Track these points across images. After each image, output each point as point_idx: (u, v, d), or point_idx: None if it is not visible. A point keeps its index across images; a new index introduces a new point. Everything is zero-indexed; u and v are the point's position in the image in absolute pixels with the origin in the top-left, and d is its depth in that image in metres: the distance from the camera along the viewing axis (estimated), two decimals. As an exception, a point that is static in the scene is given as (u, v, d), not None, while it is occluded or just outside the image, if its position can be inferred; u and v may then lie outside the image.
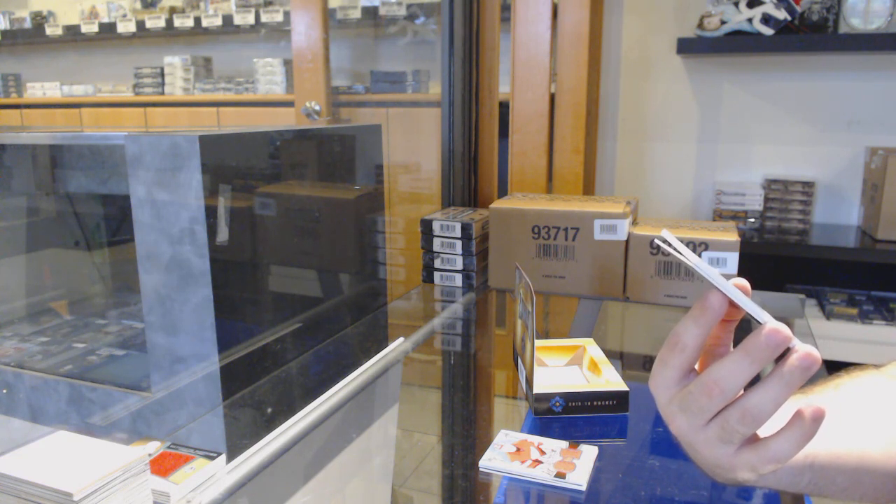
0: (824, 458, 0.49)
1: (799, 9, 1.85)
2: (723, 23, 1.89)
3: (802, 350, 0.40)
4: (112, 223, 1.60)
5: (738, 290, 0.42)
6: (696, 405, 0.44)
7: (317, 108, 2.39)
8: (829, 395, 0.54)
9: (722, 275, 0.42)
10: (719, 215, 2.06)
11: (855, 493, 0.51)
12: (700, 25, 1.93)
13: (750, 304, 0.41)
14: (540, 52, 1.70)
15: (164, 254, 0.99)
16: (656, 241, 0.45)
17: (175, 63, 3.12)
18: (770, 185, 2.02)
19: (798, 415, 0.42)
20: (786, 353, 0.41)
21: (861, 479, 0.50)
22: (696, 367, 0.47)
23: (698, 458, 0.48)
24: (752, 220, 2.03)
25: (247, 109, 2.95)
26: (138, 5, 3.26)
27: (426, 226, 1.39)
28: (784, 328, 0.40)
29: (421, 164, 2.45)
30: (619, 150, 2.23)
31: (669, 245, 0.44)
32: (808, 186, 1.99)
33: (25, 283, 1.54)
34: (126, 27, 3.16)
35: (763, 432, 0.45)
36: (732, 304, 0.43)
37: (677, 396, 0.45)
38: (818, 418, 0.41)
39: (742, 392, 0.43)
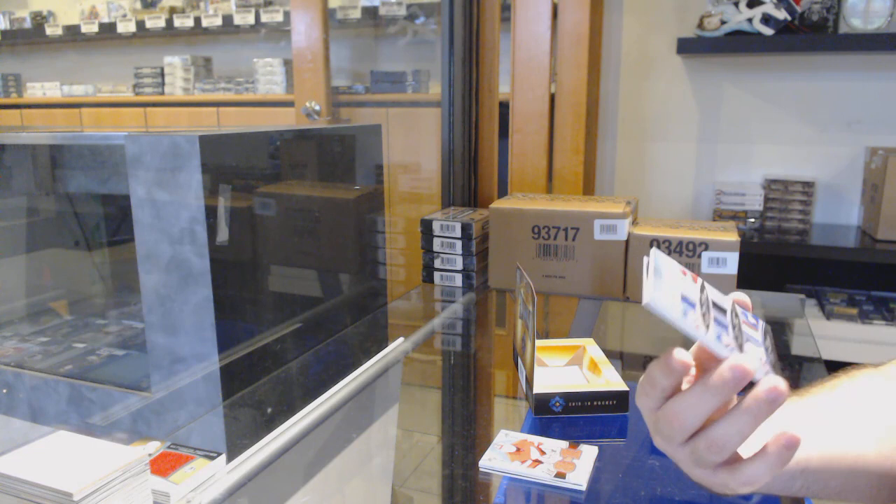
0: (817, 463, 0.49)
1: (799, 9, 1.85)
2: (723, 23, 1.89)
3: (768, 383, 0.40)
4: (112, 223, 1.60)
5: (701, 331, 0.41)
6: (663, 431, 0.45)
7: (317, 108, 2.39)
8: (825, 397, 0.54)
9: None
10: (719, 215, 2.06)
11: (851, 496, 0.51)
12: (700, 25, 1.93)
13: (712, 341, 0.41)
14: (540, 52, 1.70)
15: (164, 254, 0.99)
16: (647, 258, 0.45)
17: (175, 63, 3.11)
18: (770, 185, 2.02)
19: (772, 442, 0.42)
20: (751, 384, 0.41)
21: (856, 482, 0.50)
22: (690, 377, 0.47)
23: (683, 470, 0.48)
24: (752, 220, 2.03)
25: (247, 109, 2.95)
26: (138, 5, 3.26)
27: (426, 226, 1.39)
28: (747, 363, 0.40)
29: (421, 164, 2.45)
30: (619, 150, 2.23)
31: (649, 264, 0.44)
32: (808, 186, 1.99)
33: (25, 283, 1.54)
34: (126, 27, 3.16)
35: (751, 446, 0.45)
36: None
37: (653, 417, 0.46)
38: (792, 446, 0.42)
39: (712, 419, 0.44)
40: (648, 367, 0.45)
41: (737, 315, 0.46)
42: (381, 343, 1.12)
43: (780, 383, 0.40)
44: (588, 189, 2.03)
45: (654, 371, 0.44)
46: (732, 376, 0.40)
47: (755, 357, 0.42)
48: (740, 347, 0.42)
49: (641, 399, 0.47)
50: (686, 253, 1.17)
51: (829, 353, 1.77)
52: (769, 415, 0.41)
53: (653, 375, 0.44)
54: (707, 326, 0.42)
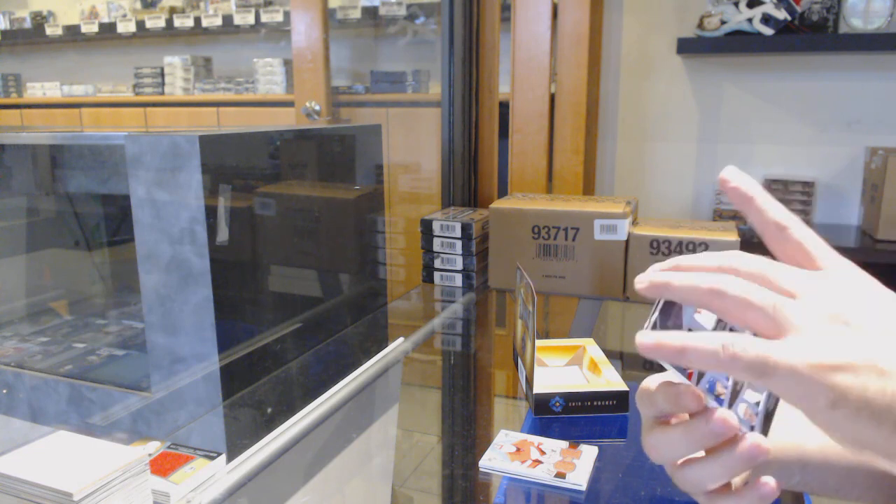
0: (817, 460, 0.49)
1: (799, 9, 1.85)
2: (723, 23, 1.89)
3: (752, 441, 0.40)
4: (112, 223, 1.61)
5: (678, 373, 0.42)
6: (646, 451, 0.45)
7: (317, 108, 2.39)
8: None
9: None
10: (719, 215, 2.06)
11: (849, 494, 0.51)
12: (700, 25, 1.93)
13: (702, 392, 0.41)
14: (540, 52, 1.70)
15: (164, 254, 0.99)
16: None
17: (175, 63, 3.12)
18: (770, 185, 2.02)
19: (753, 484, 0.42)
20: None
21: (855, 480, 0.50)
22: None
23: None
24: (752, 220, 2.03)
25: (247, 109, 2.95)
26: (138, 5, 3.26)
27: (426, 226, 1.39)
28: (732, 419, 0.40)
29: (421, 164, 2.45)
30: (619, 150, 2.23)
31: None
32: (808, 186, 1.99)
33: (25, 283, 1.54)
34: (126, 27, 3.16)
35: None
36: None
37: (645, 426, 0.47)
38: (768, 497, 0.42)
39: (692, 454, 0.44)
40: (657, 389, 0.44)
41: None
42: (381, 343, 1.12)
43: (763, 443, 0.40)
44: (588, 189, 2.03)
45: (657, 396, 0.44)
46: (716, 430, 0.40)
47: (747, 407, 0.42)
48: (737, 395, 0.42)
49: (640, 406, 0.47)
50: (686, 253, 1.17)
51: (829, 353, 1.77)
52: (745, 470, 0.42)
53: (654, 398, 0.44)
54: (703, 373, 0.42)
